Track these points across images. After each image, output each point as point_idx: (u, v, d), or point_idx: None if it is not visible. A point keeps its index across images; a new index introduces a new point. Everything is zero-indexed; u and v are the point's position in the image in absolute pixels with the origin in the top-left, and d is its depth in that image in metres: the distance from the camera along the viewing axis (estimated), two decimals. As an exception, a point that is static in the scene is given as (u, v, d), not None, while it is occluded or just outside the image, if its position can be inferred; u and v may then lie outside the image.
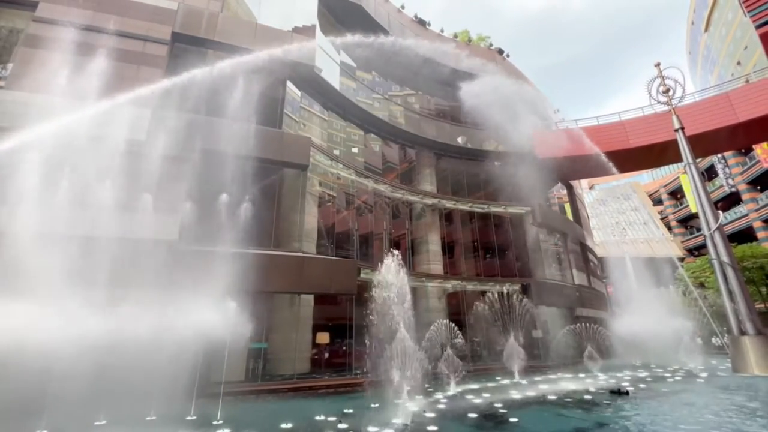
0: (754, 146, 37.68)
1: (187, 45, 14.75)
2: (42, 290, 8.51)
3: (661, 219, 60.59)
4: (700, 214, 16.62)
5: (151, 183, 11.56)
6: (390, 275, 13.29)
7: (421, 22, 24.93)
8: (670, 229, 58.00)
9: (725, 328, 24.47)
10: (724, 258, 15.43)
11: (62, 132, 11.14)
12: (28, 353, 7.25)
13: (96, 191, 10.90)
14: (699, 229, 46.96)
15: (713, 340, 28.64)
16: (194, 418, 8.36)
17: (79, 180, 10.80)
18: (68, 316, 8.30)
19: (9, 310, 7.72)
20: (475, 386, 12.55)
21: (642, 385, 12.21)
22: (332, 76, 18.87)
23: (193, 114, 13.44)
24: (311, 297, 15.33)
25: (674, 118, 18.39)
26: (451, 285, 20.34)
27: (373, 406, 9.35)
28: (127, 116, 12.21)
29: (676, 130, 18.28)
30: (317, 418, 8.13)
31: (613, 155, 24.20)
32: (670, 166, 45.79)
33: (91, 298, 9.89)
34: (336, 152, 19.09)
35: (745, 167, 41.28)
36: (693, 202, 47.07)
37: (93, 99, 12.02)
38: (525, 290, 20.96)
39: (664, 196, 60.96)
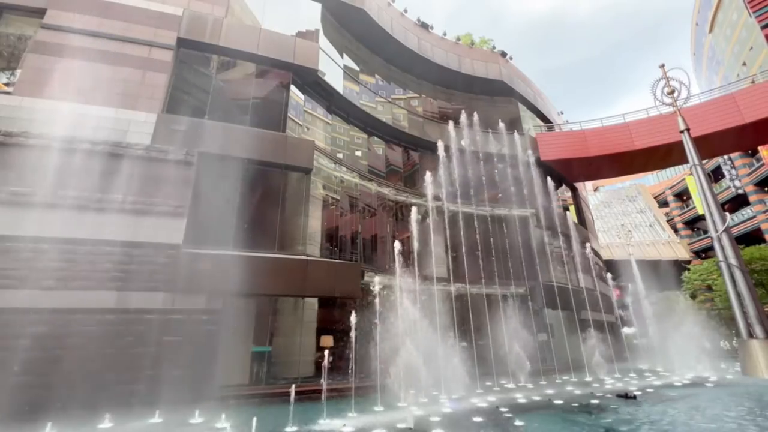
0: (759, 148, 37.36)
1: (192, 50, 14.88)
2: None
3: (667, 221, 60.08)
4: (707, 216, 16.47)
5: (156, 187, 11.66)
6: (394, 279, 13.27)
7: (424, 26, 25.01)
8: (676, 231, 57.47)
9: (734, 332, 24.15)
10: (732, 260, 15.27)
11: (68, 136, 11.29)
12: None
13: (100, 195, 11.01)
14: (706, 231, 46.53)
15: (722, 343, 28.30)
16: (199, 421, 8.37)
17: (82, 184, 10.92)
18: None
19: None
20: (480, 390, 12.47)
21: (650, 390, 12.07)
22: (335, 80, 18.96)
23: (198, 118, 13.55)
24: (315, 300, 15.32)
25: (679, 119, 18.28)
26: (455, 288, 20.25)
27: (377, 409, 9.32)
28: (131, 120, 12.35)
29: (682, 132, 18.17)
30: (321, 421, 8.11)
31: (617, 157, 24.11)
32: (676, 167, 45.52)
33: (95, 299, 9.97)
34: (339, 155, 19.14)
35: (752, 169, 40.89)
36: (699, 204, 46.66)
37: (99, 104, 12.18)
38: (530, 293, 20.82)
39: (670, 198, 60.48)
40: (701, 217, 49.20)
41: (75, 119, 11.60)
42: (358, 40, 22.14)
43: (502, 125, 24.18)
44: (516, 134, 24.28)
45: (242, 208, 13.71)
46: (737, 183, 42.76)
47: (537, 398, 10.86)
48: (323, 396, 9.60)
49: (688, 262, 49.58)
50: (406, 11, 24.43)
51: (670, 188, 60.73)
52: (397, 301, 12.65)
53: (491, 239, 22.47)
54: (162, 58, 13.73)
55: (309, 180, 15.67)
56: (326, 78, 17.93)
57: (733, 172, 43.26)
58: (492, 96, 27.00)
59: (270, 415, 8.49)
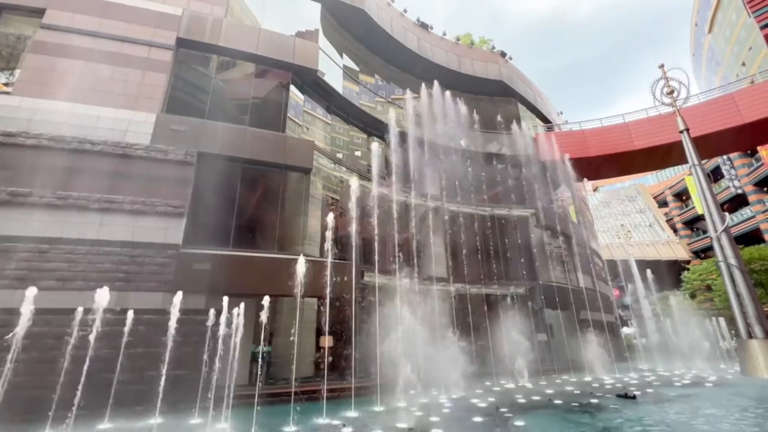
0: (759, 148, 37.40)
1: (191, 50, 14.87)
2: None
3: (667, 221, 60.13)
4: (707, 216, 16.48)
5: (155, 187, 11.65)
6: (394, 279, 13.27)
7: (424, 26, 25.01)
8: (675, 231, 57.52)
9: (733, 332, 24.18)
10: (732, 260, 15.27)
11: (67, 137, 11.28)
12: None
13: (99, 195, 11.00)
14: (705, 231, 46.56)
15: (721, 343, 28.33)
16: (199, 421, 8.37)
17: (82, 184, 10.91)
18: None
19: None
20: (479, 390, 12.47)
21: (649, 390, 12.07)
22: (335, 80, 18.96)
23: (197, 118, 13.54)
24: (315, 300, 15.30)
25: (679, 119, 18.28)
26: (455, 288, 20.25)
27: (377, 409, 9.32)
28: (131, 120, 12.34)
29: (681, 132, 18.17)
30: (321, 421, 8.10)
31: (617, 157, 24.11)
32: (676, 167, 45.54)
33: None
34: (339, 155, 19.14)
35: (751, 169, 40.96)
36: (699, 204, 46.70)
37: (98, 104, 12.18)
38: (530, 293, 20.81)
39: (669, 198, 60.53)
40: (701, 217, 49.25)
41: (74, 119, 11.60)
42: (357, 40, 22.14)
43: (501, 122, 24.21)
44: (519, 132, 24.29)
45: (242, 209, 13.71)
46: (736, 183, 42.82)
47: (537, 398, 10.86)
48: (323, 396, 9.59)
49: (688, 262, 49.63)
50: (405, 11, 24.43)
51: (670, 188, 60.77)
52: (397, 301, 12.65)
53: (491, 239, 22.48)
54: (161, 58, 13.72)
55: (308, 180, 15.67)
56: (326, 78, 17.93)
57: (733, 172, 43.33)
58: (492, 96, 27.01)
59: (270, 414, 8.49)
